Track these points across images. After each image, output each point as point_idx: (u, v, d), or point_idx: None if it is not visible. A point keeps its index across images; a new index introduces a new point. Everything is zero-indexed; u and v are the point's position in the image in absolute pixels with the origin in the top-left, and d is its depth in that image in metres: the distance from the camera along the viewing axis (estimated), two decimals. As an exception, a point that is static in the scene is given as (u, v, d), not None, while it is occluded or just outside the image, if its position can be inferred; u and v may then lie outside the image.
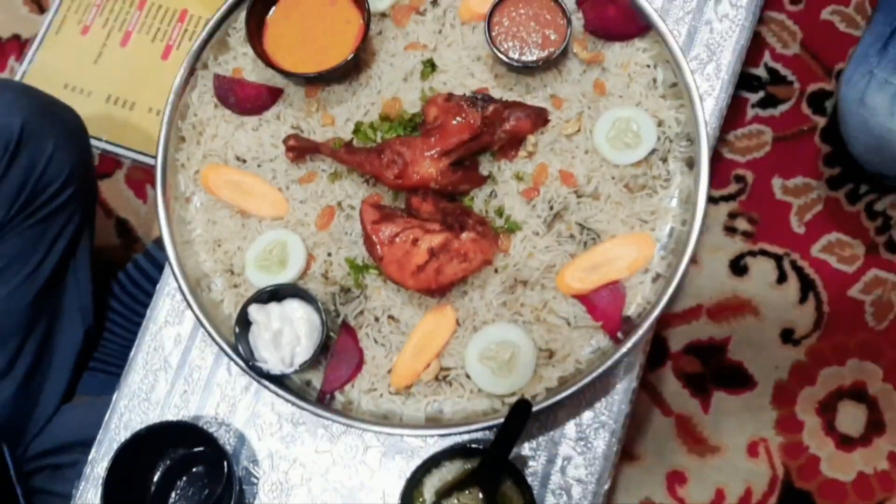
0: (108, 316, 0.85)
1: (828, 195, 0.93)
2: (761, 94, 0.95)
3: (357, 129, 0.67)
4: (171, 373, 0.67)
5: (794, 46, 0.94)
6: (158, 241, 0.87)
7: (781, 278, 0.91)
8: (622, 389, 0.64)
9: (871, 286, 0.90)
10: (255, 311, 0.62)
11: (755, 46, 0.92)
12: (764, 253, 0.92)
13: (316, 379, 0.64)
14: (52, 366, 0.79)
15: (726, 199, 0.94)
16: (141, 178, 1.00)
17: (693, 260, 0.89)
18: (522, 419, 0.55)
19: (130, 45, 1.02)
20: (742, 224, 0.93)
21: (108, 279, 0.87)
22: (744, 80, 0.93)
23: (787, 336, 0.89)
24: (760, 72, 0.95)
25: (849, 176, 0.92)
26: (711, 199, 0.93)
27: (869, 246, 0.91)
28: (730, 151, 0.94)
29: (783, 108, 0.94)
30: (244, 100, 0.69)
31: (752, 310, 0.90)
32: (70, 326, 0.80)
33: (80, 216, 0.78)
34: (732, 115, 0.91)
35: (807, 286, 0.91)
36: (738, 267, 0.92)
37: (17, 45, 1.05)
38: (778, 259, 0.92)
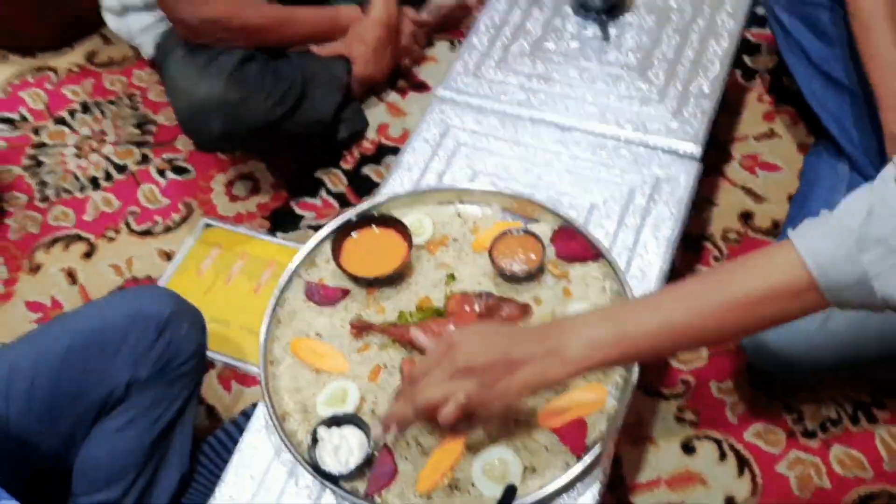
0: (197, 468, 1.10)
1: (753, 393, 1.20)
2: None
3: (400, 316, 0.98)
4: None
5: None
6: (244, 414, 1.15)
7: (722, 457, 1.16)
8: None
9: (793, 464, 1.14)
10: (322, 430, 0.88)
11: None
12: (707, 437, 1.17)
13: (361, 485, 0.88)
14: (152, 501, 1.03)
15: (676, 396, 1.22)
16: (229, 376, 1.29)
17: (652, 441, 1.15)
18: (511, 497, 0.79)
19: (231, 283, 1.37)
20: (689, 415, 1.20)
21: (198, 441, 1.13)
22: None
23: (730, 502, 1.12)
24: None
25: (768, 380, 1.21)
26: (663, 396, 1.21)
27: (788, 433, 1.17)
28: (676, 361, 1.24)
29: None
30: (324, 297, 1.02)
31: (701, 481, 1.13)
32: (171, 471, 1.05)
33: (193, 385, 1.06)
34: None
35: (742, 463, 1.15)
36: (688, 448, 1.17)
37: (149, 282, 1.40)
38: (718, 442, 1.17)
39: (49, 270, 1.44)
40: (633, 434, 1.18)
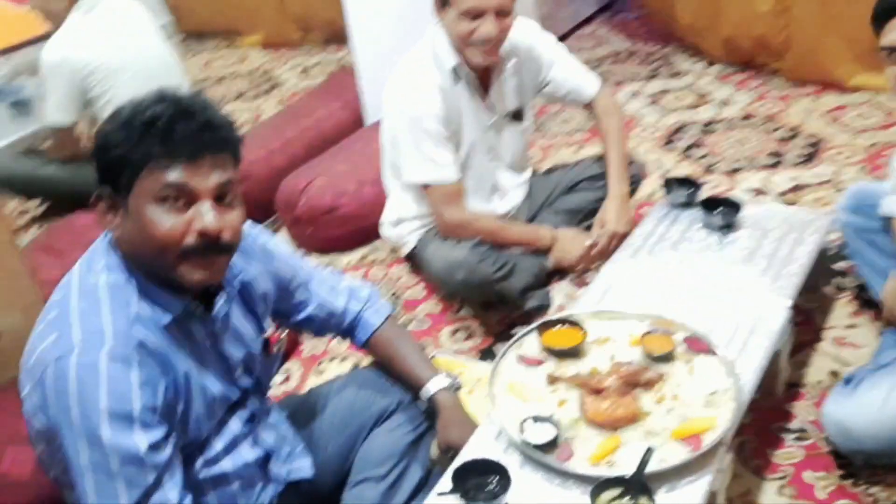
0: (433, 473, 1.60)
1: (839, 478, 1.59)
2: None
3: (592, 371, 1.54)
4: None
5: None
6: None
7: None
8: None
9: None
10: (528, 423, 1.42)
11: None
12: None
13: (552, 458, 1.39)
14: (403, 484, 1.53)
15: (779, 478, 1.63)
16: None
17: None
18: (648, 457, 1.29)
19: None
20: (788, 490, 1.60)
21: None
22: None
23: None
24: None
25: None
26: (766, 479, 1.62)
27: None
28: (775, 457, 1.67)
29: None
30: (530, 362, 1.60)
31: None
32: (417, 467, 1.45)
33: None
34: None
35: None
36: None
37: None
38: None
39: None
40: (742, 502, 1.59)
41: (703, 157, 3.00)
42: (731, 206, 2.02)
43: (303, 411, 1.53)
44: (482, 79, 2.13)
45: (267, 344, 1.40)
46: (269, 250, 1.41)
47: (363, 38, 3.03)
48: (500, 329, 2.17)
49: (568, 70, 2.28)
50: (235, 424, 1.30)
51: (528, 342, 1.64)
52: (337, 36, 4.61)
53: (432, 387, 1.48)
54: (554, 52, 2.26)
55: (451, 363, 2.02)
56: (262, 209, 2.74)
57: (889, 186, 1.78)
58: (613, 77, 3.83)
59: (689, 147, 3.09)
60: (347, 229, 2.60)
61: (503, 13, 1.97)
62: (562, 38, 4.28)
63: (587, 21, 4.59)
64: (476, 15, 1.94)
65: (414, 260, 2.35)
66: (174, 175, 1.09)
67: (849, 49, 3.28)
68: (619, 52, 4.17)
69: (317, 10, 4.75)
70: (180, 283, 1.14)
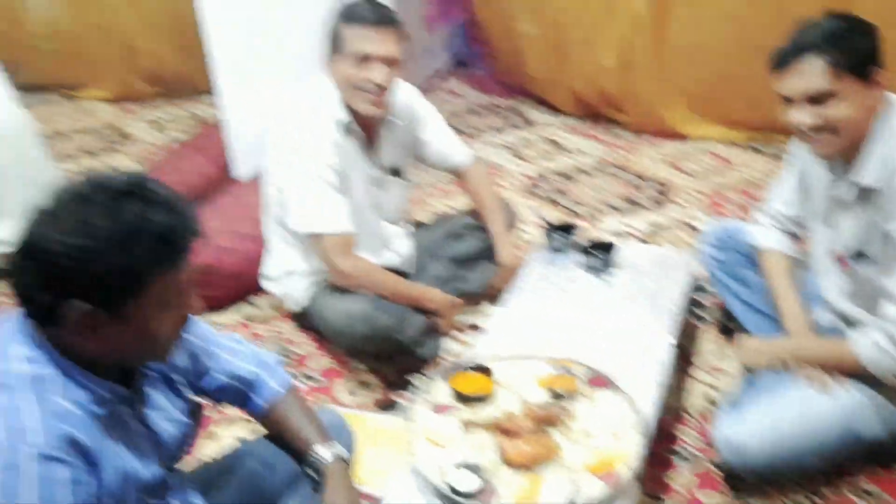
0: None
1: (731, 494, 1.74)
2: None
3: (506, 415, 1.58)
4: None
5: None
6: None
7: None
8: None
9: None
10: (451, 471, 1.44)
11: None
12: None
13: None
14: None
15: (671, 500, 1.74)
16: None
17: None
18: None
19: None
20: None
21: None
22: None
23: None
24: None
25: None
26: (661, 500, 1.73)
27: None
28: (673, 482, 1.78)
29: None
30: (439, 408, 1.62)
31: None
32: None
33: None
34: None
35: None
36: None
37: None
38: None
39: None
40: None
41: (565, 203, 3.19)
42: (607, 249, 2.17)
43: (210, 485, 1.46)
44: (368, 134, 2.17)
45: (198, 412, 1.34)
46: None
47: (232, 90, 2.99)
48: (395, 379, 2.18)
49: (441, 136, 2.39)
50: None
51: (437, 389, 1.66)
52: (193, 89, 4.50)
53: (320, 454, 1.40)
54: (430, 117, 2.36)
55: (351, 417, 2.00)
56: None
57: (752, 222, 2.00)
58: (470, 129, 3.99)
59: (553, 194, 3.27)
60: (228, 287, 2.52)
61: (392, 62, 2.03)
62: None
63: (442, 76, 4.77)
64: (365, 60, 2.00)
65: (303, 316, 2.32)
66: (182, 278, 1.10)
67: (685, 101, 3.63)
68: (474, 105, 4.36)
69: (169, 63, 4.61)
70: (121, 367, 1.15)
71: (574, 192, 3.28)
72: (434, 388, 1.67)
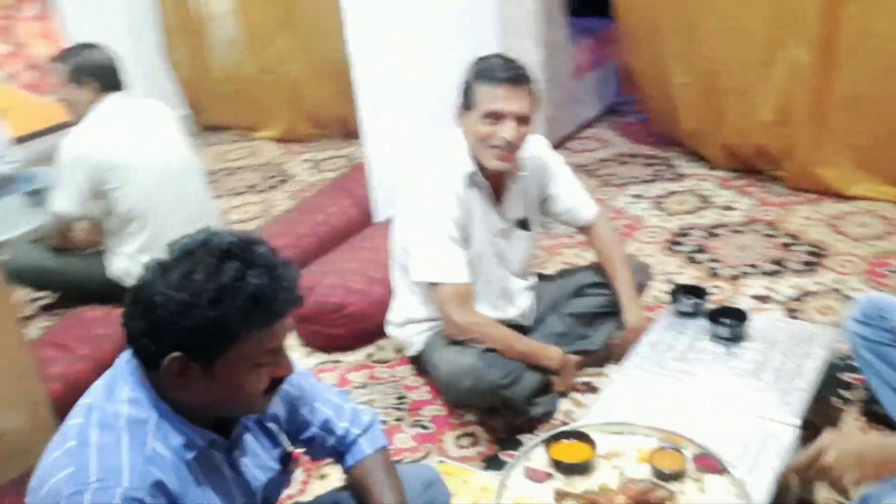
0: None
1: None
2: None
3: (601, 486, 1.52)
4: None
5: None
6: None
7: None
8: None
9: None
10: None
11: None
12: None
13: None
14: None
15: None
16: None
17: None
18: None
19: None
20: None
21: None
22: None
23: None
24: None
25: None
26: None
27: None
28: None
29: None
30: (535, 477, 1.58)
31: None
32: None
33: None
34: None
35: None
36: None
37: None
38: None
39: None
40: None
41: (707, 261, 3.04)
42: (738, 317, 2.04)
43: None
44: (495, 186, 2.19)
45: (288, 460, 1.39)
46: None
47: (375, 135, 3.12)
48: (505, 435, 2.15)
49: (570, 190, 2.35)
50: None
51: (536, 455, 1.62)
52: (348, 132, 4.74)
53: None
54: (560, 171, 2.34)
55: (455, 470, 1.99)
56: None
57: None
58: (616, 179, 3.91)
59: (694, 251, 3.13)
60: (354, 328, 2.61)
61: (523, 120, 2.04)
62: (565, 140, 4.41)
63: (591, 123, 4.73)
64: (497, 118, 2.02)
65: (419, 362, 2.35)
66: (276, 341, 1.15)
67: (849, 156, 3.37)
68: (621, 154, 4.28)
69: (330, 108, 4.89)
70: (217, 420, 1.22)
71: (717, 250, 3.12)
72: (532, 453, 1.63)
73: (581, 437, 1.63)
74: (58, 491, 1.07)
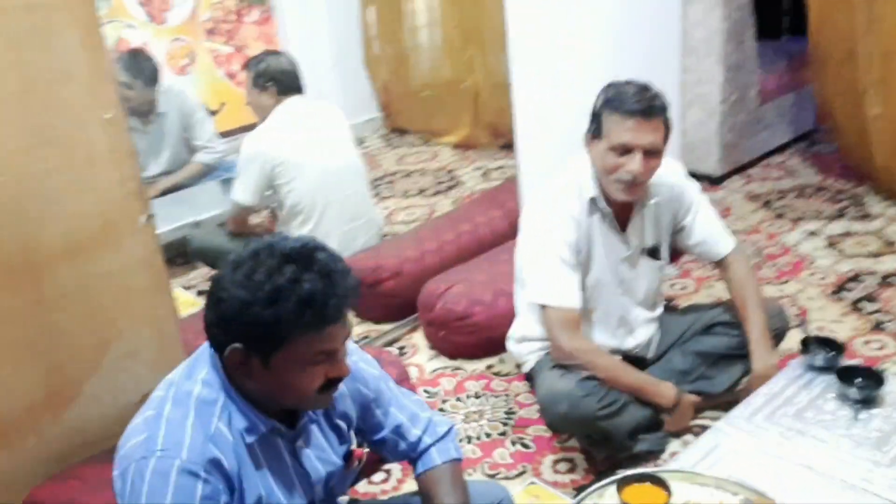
0: None
1: None
2: None
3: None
4: None
5: None
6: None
7: None
8: None
9: None
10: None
11: None
12: None
13: None
14: None
15: None
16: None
17: None
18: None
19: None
20: None
21: None
22: None
23: None
24: None
25: None
26: None
27: None
28: None
29: None
30: (605, 513, 1.54)
31: None
32: None
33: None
34: None
35: None
36: None
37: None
38: None
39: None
40: None
41: (873, 312, 2.75)
42: (873, 379, 1.85)
43: None
44: (621, 212, 2.14)
45: (349, 457, 1.47)
46: (356, 371, 1.46)
47: (529, 150, 3.14)
48: (604, 468, 2.10)
49: (706, 222, 2.23)
50: None
51: (609, 493, 1.58)
52: (518, 143, 4.79)
53: None
54: (696, 200, 2.23)
55: (543, 493, 1.99)
56: (407, 307, 2.88)
57: None
58: (792, 213, 3.63)
59: (860, 299, 2.85)
60: (478, 338, 2.66)
61: (653, 154, 1.98)
62: (746, 167, 4.16)
63: (778, 151, 4.42)
64: (625, 151, 1.97)
65: (531, 380, 2.36)
66: (328, 344, 1.21)
67: None
68: (806, 186, 3.96)
69: (506, 119, 4.95)
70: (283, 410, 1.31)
71: (890, 302, 2.81)
72: (605, 491, 1.59)
73: (657, 481, 1.57)
74: (131, 454, 1.22)
